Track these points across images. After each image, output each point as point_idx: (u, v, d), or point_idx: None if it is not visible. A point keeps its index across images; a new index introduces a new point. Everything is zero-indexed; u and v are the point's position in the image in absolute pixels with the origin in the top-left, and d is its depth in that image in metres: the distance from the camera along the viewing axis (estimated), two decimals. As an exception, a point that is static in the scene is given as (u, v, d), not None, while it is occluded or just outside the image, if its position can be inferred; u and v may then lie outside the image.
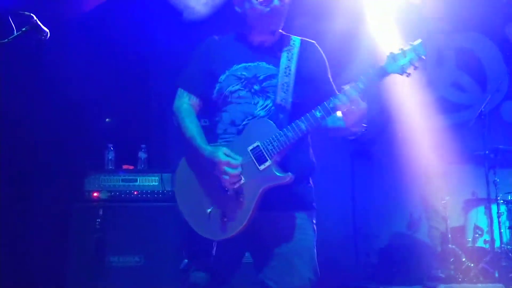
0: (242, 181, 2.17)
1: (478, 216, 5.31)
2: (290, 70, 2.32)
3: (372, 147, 6.13)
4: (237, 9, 2.41)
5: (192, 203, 2.27)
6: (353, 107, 2.17)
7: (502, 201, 5.10)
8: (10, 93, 4.06)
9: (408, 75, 2.17)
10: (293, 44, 2.42)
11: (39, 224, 4.62)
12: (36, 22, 2.49)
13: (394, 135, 6.10)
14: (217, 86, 2.35)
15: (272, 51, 2.39)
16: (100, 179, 4.37)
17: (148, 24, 5.03)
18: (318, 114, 2.17)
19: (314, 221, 2.41)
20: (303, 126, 2.16)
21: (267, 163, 2.16)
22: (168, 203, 4.23)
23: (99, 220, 4.16)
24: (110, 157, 4.55)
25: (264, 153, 2.17)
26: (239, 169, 2.16)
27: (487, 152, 5.13)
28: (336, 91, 2.35)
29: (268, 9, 2.30)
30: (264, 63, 2.36)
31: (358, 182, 6.04)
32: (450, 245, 5.20)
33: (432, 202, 5.97)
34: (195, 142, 2.27)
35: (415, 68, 2.16)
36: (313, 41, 2.52)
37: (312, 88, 2.37)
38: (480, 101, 5.94)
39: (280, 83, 2.29)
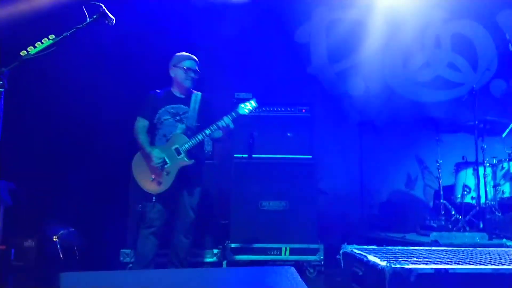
0: (168, 164, 3.98)
1: (467, 177, 5.61)
2: (195, 109, 4.15)
3: (377, 117, 6.53)
4: (172, 74, 4.16)
5: (142, 174, 4.05)
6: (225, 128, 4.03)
7: (488, 164, 5.44)
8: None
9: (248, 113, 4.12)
10: (196, 95, 4.20)
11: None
12: (104, 10, 2.74)
13: (396, 108, 6.53)
14: (157, 116, 4.12)
15: (186, 98, 4.18)
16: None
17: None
18: (215, 127, 4.00)
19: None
20: (207, 132, 3.98)
21: (182, 155, 4.00)
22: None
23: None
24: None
25: (180, 150, 4.00)
26: (162, 159, 3.97)
27: (476, 122, 5.40)
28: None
29: (190, 83, 4.15)
30: (181, 105, 4.15)
31: (365, 147, 6.38)
32: (442, 201, 5.65)
33: (427, 164, 6.52)
34: (143, 145, 4.05)
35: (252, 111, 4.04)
36: (205, 95, 4.25)
37: (204, 119, 4.11)
38: (472, 80, 6.52)
39: (190, 116, 4.11)
